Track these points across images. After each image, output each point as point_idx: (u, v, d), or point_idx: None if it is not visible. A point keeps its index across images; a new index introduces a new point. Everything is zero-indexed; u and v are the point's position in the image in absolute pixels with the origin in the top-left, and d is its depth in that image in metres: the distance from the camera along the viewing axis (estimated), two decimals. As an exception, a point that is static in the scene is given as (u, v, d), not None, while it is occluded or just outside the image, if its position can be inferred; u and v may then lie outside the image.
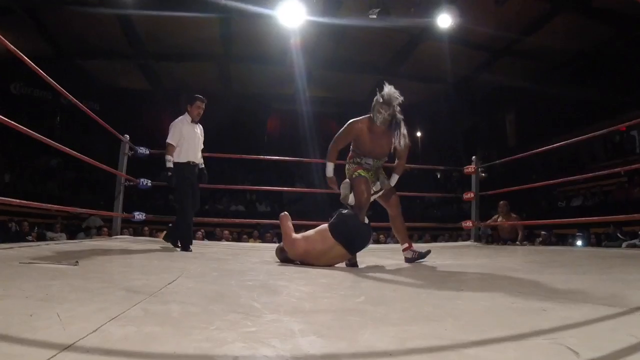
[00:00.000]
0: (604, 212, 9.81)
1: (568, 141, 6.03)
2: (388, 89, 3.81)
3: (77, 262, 2.73)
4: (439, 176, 18.31)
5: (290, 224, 3.64)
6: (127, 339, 1.14)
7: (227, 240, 9.31)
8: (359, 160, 3.93)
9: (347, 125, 3.90)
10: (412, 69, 15.58)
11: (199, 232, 9.87)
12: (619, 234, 9.46)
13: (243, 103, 18.41)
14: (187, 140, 4.89)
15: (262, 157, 9.27)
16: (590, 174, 9.21)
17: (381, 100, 3.80)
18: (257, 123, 19.65)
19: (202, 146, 5.18)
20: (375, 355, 1.11)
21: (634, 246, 7.95)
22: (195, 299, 1.77)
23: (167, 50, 14.67)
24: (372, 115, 3.84)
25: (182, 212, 4.79)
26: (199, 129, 5.08)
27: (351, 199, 3.77)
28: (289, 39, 12.87)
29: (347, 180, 3.88)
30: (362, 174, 3.83)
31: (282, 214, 3.75)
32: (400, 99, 3.86)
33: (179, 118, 5.01)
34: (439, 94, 17.79)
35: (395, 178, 4.08)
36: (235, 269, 2.55)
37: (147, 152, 6.07)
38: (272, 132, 20.54)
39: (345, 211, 3.53)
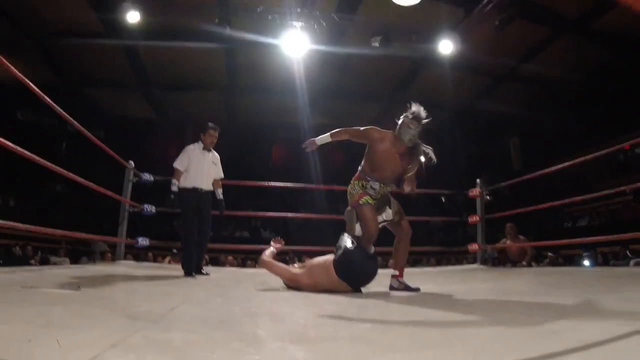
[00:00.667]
0: (611, 231, 9.70)
1: (572, 162, 6.01)
2: (417, 107, 3.72)
3: (79, 287, 2.71)
4: (443, 200, 18.26)
5: (275, 264, 3.57)
6: (126, 367, 1.11)
7: (232, 265, 9.26)
8: (364, 183, 3.67)
9: (368, 127, 3.78)
10: (415, 96, 15.31)
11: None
12: (628, 253, 9.37)
13: (248, 132, 18.47)
14: (195, 166, 4.88)
15: (265, 183, 9.35)
16: (594, 194, 9.12)
17: (411, 116, 3.67)
18: (262, 152, 19.72)
19: (221, 175, 5.26)
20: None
21: (640, 264, 7.87)
22: (197, 326, 1.74)
23: (172, 80, 14.80)
24: (397, 131, 3.68)
25: (184, 238, 4.78)
26: (211, 157, 5.12)
27: (357, 230, 3.57)
28: (293, 68, 12.97)
29: (350, 208, 3.67)
30: (369, 201, 3.59)
31: (261, 258, 3.65)
32: (428, 119, 3.76)
33: (192, 144, 5.09)
34: (442, 120, 17.84)
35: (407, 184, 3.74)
36: (240, 295, 2.52)
37: (152, 178, 6.07)
38: (277, 161, 20.59)
39: (350, 246, 3.35)
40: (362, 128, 3.78)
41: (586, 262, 9.69)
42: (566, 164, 6.12)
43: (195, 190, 4.84)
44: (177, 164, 4.88)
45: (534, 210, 6.78)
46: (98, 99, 16.43)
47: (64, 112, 4.15)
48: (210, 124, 5.16)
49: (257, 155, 18.82)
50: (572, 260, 10.58)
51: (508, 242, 7.40)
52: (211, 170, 5.09)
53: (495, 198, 7.01)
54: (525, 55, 12.99)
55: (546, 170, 6.39)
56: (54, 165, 4.01)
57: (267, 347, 1.41)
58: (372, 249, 3.51)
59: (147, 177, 6.07)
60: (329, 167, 17.37)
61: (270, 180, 9.70)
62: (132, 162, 5.95)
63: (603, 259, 9.54)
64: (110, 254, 8.03)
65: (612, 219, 12.91)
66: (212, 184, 5.13)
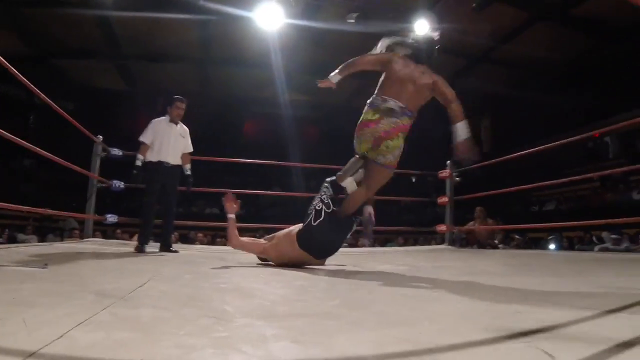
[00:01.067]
0: (578, 216, 10.02)
1: (542, 147, 6.14)
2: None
3: (46, 264, 2.67)
4: (414, 180, 18.47)
5: (245, 242, 3.51)
6: (94, 345, 1.10)
7: (201, 242, 9.22)
8: (379, 102, 3.20)
9: (390, 53, 3.34)
10: (390, 74, 15.67)
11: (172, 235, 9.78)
12: (594, 239, 9.65)
13: (221, 106, 18.31)
14: (161, 140, 4.77)
15: (238, 160, 9.09)
16: (563, 180, 9.36)
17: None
18: (235, 126, 19.54)
19: (190, 149, 5.11)
20: (349, 360, 1.09)
21: (607, 250, 8.10)
22: (166, 303, 1.74)
23: (144, 51, 14.51)
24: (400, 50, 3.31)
25: (143, 211, 4.73)
26: (179, 130, 4.96)
27: (350, 185, 3.17)
28: (268, 42, 12.84)
29: (358, 157, 3.23)
30: (388, 155, 3.14)
31: (230, 241, 3.51)
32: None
33: (159, 117, 4.95)
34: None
35: (462, 127, 3.41)
36: (209, 272, 2.52)
37: (120, 153, 5.97)
38: (250, 135, 20.45)
39: (316, 222, 3.18)
40: (383, 54, 3.36)
41: (552, 246, 9.95)
42: (535, 149, 6.24)
43: (160, 164, 4.74)
44: (143, 137, 4.79)
45: (502, 193, 6.91)
46: (67, 70, 16.01)
47: (31, 84, 4.03)
48: (176, 96, 5.01)
49: (230, 130, 18.63)
50: (538, 243, 10.85)
51: (477, 224, 7.51)
52: (178, 144, 4.95)
53: (465, 180, 7.11)
54: (501, 38, 13.15)
55: (514, 155, 6.50)
56: (21, 140, 3.90)
57: (235, 323, 1.43)
58: (353, 218, 3.36)
59: (116, 151, 5.96)
60: (304, 143, 17.36)
61: (243, 155, 9.58)
62: (100, 137, 5.83)
63: (568, 244, 9.81)
64: (79, 231, 7.91)
65: (579, 204, 13.27)
66: (181, 158, 4.99)
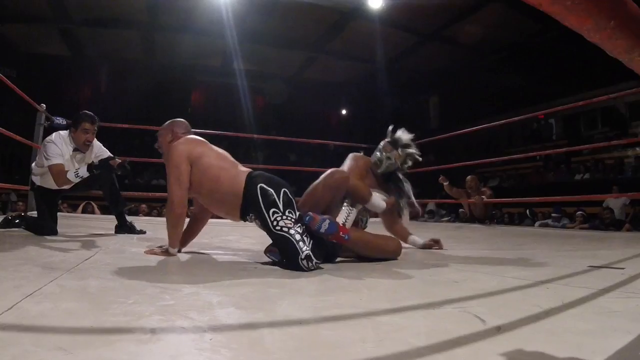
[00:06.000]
0: (519, 194, 10.44)
1: (488, 125, 6.35)
2: (402, 132, 3.11)
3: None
4: (362, 154, 18.72)
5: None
6: (43, 315, 1.13)
7: (145, 214, 9.07)
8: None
9: (354, 155, 3.13)
10: (341, 47, 15.72)
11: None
12: (527, 213, 10.06)
13: (167, 73, 17.78)
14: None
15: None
16: (508, 157, 9.74)
17: (388, 139, 3.10)
18: (182, 95, 19.08)
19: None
20: (291, 323, 1.17)
21: (546, 225, 8.48)
22: (112, 275, 1.76)
23: (90, 15, 13.88)
24: (372, 155, 3.13)
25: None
26: (88, 157, 3.62)
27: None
28: (218, 8, 12.57)
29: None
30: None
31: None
32: (414, 151, 3.10)
33: (58, 136, 3.49)
34: (366, 73, 18.03)
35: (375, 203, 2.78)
36: (156, 245, 2.52)
37: (64, 122, 5.74)
38: (197, 105, 20.07)
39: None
40: (359, 166, 3.04)
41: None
42: (482, 126, 6.43)
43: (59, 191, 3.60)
44: (53, 160, 3.34)
45: (448, 169, 7.09)
46: (10, 35, 15.17)
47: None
48: (85, 113, 3.54)
49: (175, 99, 18.18)
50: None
51: (472, 197, 6.75)
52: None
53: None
54: (452, 17, 13.27)
55: (461, 132, 6.68)
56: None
57: (182, 292, 1.48)
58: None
59: (60, 120, 5.68)
60: (251, 113, 17.21)
61: (190, 125, 9.40)
62: (44, 105, 5.60)
63: (509, 219, 10.20)
64: (23, 204, 7.64)
65: (520, 182, 13.78)
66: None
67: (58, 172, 3.28)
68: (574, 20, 0.67)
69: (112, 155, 3.53)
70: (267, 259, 2.26)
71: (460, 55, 15.99)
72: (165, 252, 2.39)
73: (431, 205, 9.90)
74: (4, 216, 4.03)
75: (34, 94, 5.26)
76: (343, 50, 15.92)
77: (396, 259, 2.51)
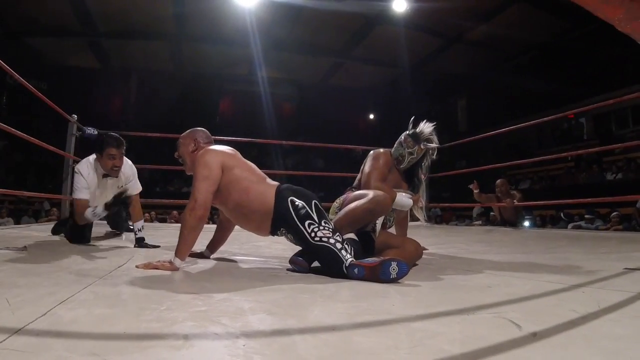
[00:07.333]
0: (550, 195, 10.22)
1: (517, 126, 6.21)
2: (424, 125, 2.99)
3: (25, 247, 2.68)
4: (383, 150, 18.69)
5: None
6: (76, 321, 1.15)
7: (177, 221, 9.19)
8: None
9: (375, 153, 3.06)
10: (367, 52, 15.74)
11: (147, 214, 9.72)
12: (562, 215, 9.85)
13: (195, 83, 18.11)
14: (93, 198, 3.37)
15: (214, 137, 9.03)
16: (538, 158, 9.54)
17: (410, 132, 3.00)
18: (210, 103, 19.35)
19: (136, 190, 3.63)
20: (323, 329, 1.16)
21: (579, 227, 8.28)
22: (144, 282, 1.78)
23: (118, 28, 14.23)
24: (393, 150, 3.06)
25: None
26: (115, 181, 3.50)
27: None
28: (244, 18, 12.70)
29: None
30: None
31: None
32: (436, 145, 3.02)
33: (86, 164, 3.39)
34: (392, 78, 17.98)
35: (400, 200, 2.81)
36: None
37: (96, 132, 5.85)
38: (225, 113, 20.29)
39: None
40: (373, 162, 2.99)
41: (526, 224, 10.15)
42: (511, 127, 6.32)
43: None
44: (79, 194, 3.27)
45: (477, 171, 7.00)
46: (40, 49, 15.65)
47: (3, 63, 3.94)
48: (111, 135, 3.39)
49: (204, 108, 18.43)
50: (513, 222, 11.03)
51: (502, 200, 6.68)
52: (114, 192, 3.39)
53: (440, 158, 7.16)
54: (478, 18, 13.16)
55: (490, 134, 6.58)
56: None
57: (214, 298, 1.48)
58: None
59: (91, 130, 5.79)
60: (278, 119, 17.30)
61: (218, 133, 9.53)
62: (75, 116, 5.72)
63: (541, 222, 10.01)
64: (57, 212, 7.81)
65: (552, 183, 13.52)
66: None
67: (80, 207, 3.21)
68: (607, 10, 0.65)
69: (127, 195, 3.16)
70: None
71: (487, 57, 15.84)
72: (169, 266, 2.11)
73: (477, 209, 9.73)
74: (55, 222, 4.14)
75: (65, 105, 5.37)
76: (368, 55, 15.93)
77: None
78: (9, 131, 4.12)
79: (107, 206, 3.09)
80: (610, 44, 11.22)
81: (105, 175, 3.38)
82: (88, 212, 3.13)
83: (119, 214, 3.82)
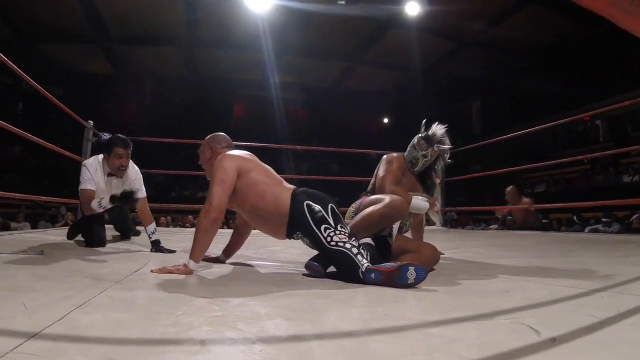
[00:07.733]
0: (566, 198, 10.12)
1: (532, 129, 6.16)
2: (437, 127, 2.98)
3: (42, 251, 2.70)
4: (396, 154, 18.64)
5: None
6: (93, 325, 1.15)
7: (192, 225, 9.25)
8: None
9: (388, 157, 3.07)
10: (379, 56, 15.74)
11: (163, 219, 9.77)
12: (575, 219, 9.74)
13: (209, 88, 18.23)
14: (99, 196, 3.37)
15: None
16: (554, 161, 9.45)
17: (422, 134, 2.99)
18: (223, 108, 19.45)
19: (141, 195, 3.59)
20: (339, 335, 1.15)
21: (597, 231, 8.17)
22: (161, 286, 1.78)
23: (131, 33, 14.39)
24: (406, 153, 3.06)
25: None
26: (120, 182, 3.59)
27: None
28: (256, 23, 12.78)
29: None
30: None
31: None
32: (449, 146, 2.99)
33: (93, 161, 3.54)
34: (405, 81, 17.94)
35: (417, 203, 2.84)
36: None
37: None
38: (239, 118, 20.39)
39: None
40: (387, 166, 3.00)
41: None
42: (525, 130, 6.27)
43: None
44: (85, 185, 3.40)
45: (492, 175, 6.95)
46: (55, 55, 15.88)
47: (18, 69, 3.99)
48: (118, 136, 3.54)
49: (217, 113, 18.53)
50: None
51: (527, 200, 6.79)
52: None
53: (455, 162, 7.13)
54: (490, 21, 13.11)
55: (504, 137, 6.54)
56: (11, 126, 3.88)
57: (230, 303, 1.48)
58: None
59: (106, 136, 5.86)
60: (291, 124, 17.33)
61: (232, 138, 9.57)
62: (91, 122, 5.79)
63: (557, 225, 9.90)
64: (73, 216, 7.90)
65: (568, 186, 13.38)
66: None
67: (86, 198, 3.34)
68: (633, 22, 0.63)
69: (133, 191, 3.29)
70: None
71: (501, 59, 15.75)
72: (183, 269, 2.12)
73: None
74: (70, 226, 4.22)
75: (80, 110, 5.43)
76: (381, 59, 15.93)
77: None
78: (27, 137, 4.18)
79: (113, 199, 3.18)
80: (624, 44, 11.10)
81: (110, 175, 3.52)
82: (94, 203, 3.23)
83: (124, 219, 4.04)
